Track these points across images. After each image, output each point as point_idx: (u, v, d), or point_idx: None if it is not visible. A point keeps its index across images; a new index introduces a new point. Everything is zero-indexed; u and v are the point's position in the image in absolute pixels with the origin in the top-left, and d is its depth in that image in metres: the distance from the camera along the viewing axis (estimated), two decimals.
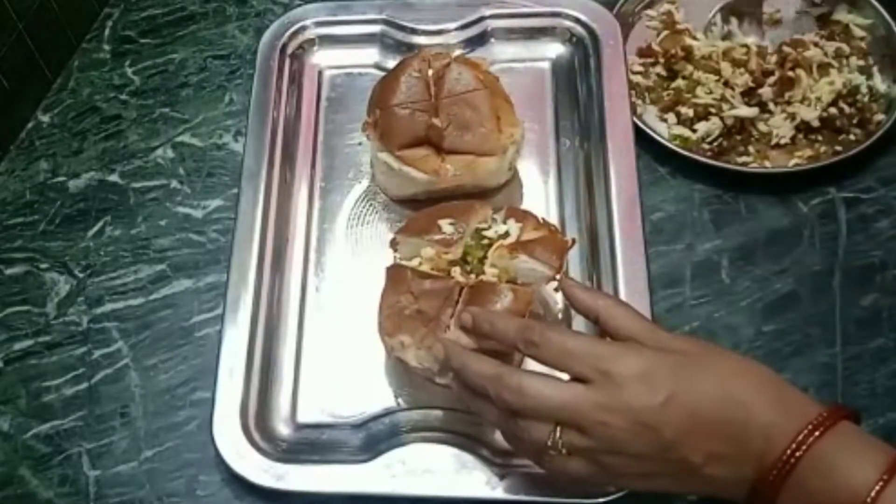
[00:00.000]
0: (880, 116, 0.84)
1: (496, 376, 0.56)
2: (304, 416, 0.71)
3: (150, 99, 0.92)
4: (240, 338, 0.72)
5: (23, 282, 0.81)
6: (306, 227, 0.80)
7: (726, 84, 0.86)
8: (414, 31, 0.89)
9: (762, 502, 0.52)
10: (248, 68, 0.92)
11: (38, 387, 0.75)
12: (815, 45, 0.87)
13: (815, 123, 0.84)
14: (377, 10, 0.90)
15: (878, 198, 0.80)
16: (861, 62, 0.87)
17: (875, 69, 0.87)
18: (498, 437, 0.65)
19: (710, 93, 0.85)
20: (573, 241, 0.71)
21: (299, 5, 0.93)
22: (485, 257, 0.69)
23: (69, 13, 0.94)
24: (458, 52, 0.85)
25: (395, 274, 0.69)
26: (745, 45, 0.88)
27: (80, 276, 0.81)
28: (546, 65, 0.89)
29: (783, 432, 0.51)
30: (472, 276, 0.68)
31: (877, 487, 0.48)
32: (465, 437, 0.68)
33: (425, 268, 0.69)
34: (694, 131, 0.85)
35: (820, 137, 0.84)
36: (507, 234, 0.69)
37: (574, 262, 0.76)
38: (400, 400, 0.71)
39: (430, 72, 0.78)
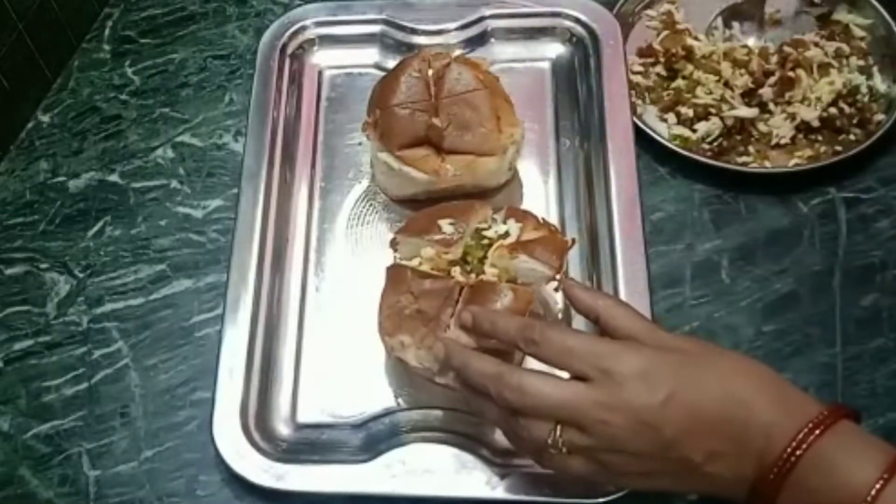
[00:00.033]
0: (880, 116, 0.84)
1: (497, 375, 0.56)
2: (304, 416, 0.71)
3: (150, 99, 0.92)
4: (240, 338, 0.72)
5: (23, 282, 0.81)
6: (306, 227, 0.80)
7: (726, 84, 0.86)
8: (414, 31, 0.89)
9: (762, 501, 0.52)
10: (248, 68, 0.92)
11: (38, 387, 0.75)
12: (816, 45, 0.87)
13: (815, 123, 0.84)
14: (377, 10, 0.90)
15: (878, 198, 0.80)
16: (861, 62, 0.87)
17: (875, 69, 0.87)
18: (498, 436, 0.65)
19: (710, 93, 0.85)
20: (573, 241, 0.70)
21: (299, 5, 0.93)
22: (485, 257, 0.69)
23: (69, 13, 0.94)
24: (458, 52, 0.85)
25: (395, 274, 0.69)
26: (746, 47, 0.88)
27: (80, 276, 0.81)
28: (546, 65, 0.89)
29: (783, 431, 0.51)
30: (472, 275, 0.68)
31: (877, 486, 0.48)
32: (465, 437, 0.68)
33: (425, 268, 0.69)
34: (694, 131, 0.85)
35: (820, 137, 0.84)
36: (507, 234, 0.69)
37: (574, 262, 0.76)
38: (400, 400, 0.71)
39: (430, 72, 0.78)
